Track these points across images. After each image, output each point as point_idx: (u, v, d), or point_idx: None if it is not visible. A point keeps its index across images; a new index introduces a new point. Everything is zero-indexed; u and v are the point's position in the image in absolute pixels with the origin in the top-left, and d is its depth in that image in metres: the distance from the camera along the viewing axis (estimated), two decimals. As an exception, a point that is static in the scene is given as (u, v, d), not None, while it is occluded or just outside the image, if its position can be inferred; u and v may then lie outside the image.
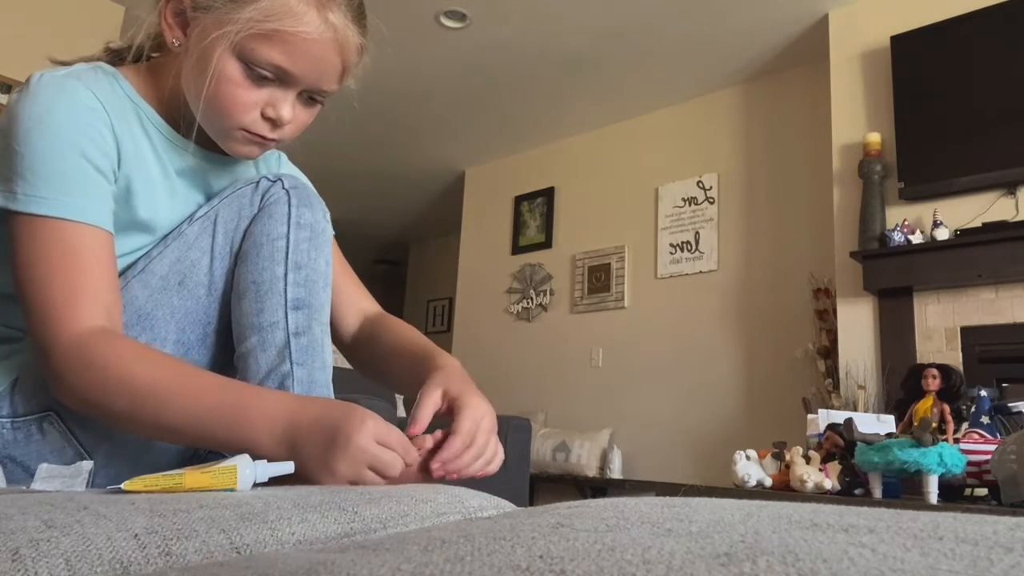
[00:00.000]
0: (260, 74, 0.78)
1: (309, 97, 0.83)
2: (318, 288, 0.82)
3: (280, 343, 0.79)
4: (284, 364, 0.78)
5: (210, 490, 0.57)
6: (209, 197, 0.90)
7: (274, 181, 0.84)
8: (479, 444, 0.75)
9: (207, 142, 0.88)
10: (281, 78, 0.79)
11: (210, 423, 0.68)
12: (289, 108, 0.81)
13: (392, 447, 0.67)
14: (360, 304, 1.01)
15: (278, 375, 0.78)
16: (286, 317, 0.79)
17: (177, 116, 0.86)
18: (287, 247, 0.80)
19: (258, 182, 0.84)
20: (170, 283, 0.81)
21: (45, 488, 0.64)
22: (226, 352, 0.84)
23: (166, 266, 0.81)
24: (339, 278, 0.98)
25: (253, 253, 0.80)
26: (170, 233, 0.85)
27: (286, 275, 0.80)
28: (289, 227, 0.81)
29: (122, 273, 0.81)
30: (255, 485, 0.61)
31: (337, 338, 0.99)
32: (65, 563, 0.37)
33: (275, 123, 0.81)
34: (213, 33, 0.76)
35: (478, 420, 0.77)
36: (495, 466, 0.77)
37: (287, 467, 0.66)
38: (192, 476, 0.58)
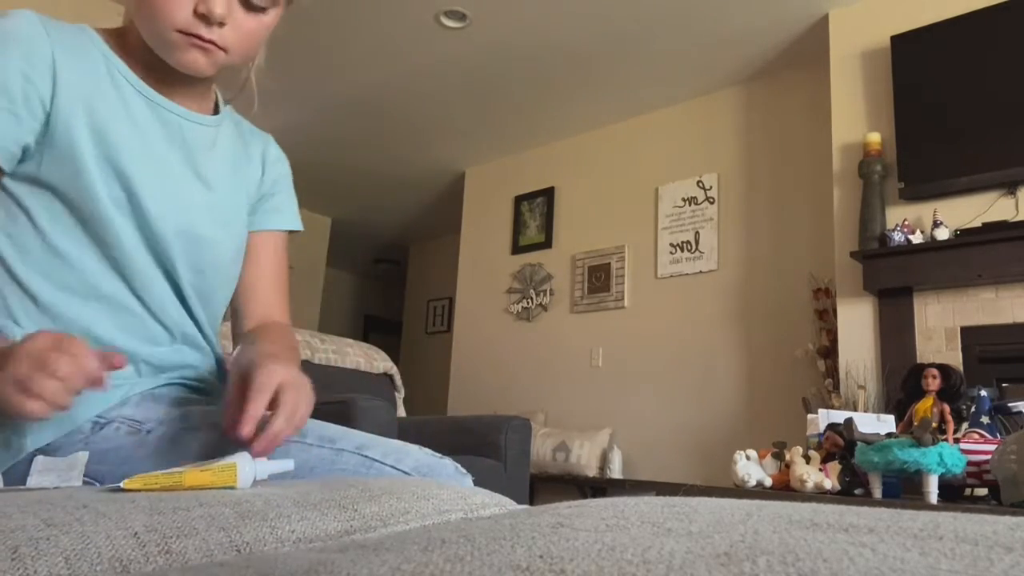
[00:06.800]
0: None
1: (247, 2, 0.82)
2: None
3: None
4: None
5: (210, 488, 0.57)
6: (185, 151, 0.90)
7: None
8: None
9: (180, 99, 0.89)
10: None
11: None
12: (221, 3, 0.79)
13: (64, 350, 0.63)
14: (269, 309, 1.01)
15: None
16: None
17: (151, 75, 0.87)
18: None
19: None
20: None
21: (41, 481, 0.64)
22: None
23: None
24: (261, 281, 1.00)
25: None
26: None
27: None
28: None
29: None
30: (255, 483, 0.61)
31: (235, 332, 1.01)
32: (64, 561, 0.37)
33: (207, 20, 0.79)
34: None
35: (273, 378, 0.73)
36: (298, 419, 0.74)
37: (287, 465, 0.66)
38: (192, 474, 0.58)
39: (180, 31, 0.79)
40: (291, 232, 1.07)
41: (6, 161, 0.78)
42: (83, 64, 0.82)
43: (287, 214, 1.05)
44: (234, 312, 1.01)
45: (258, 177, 1.01)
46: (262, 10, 0.83)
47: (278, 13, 0.87)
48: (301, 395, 0.73)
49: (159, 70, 0.86)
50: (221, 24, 0.80)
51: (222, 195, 0.93)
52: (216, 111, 0.97)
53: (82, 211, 0.81)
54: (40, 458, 0.67)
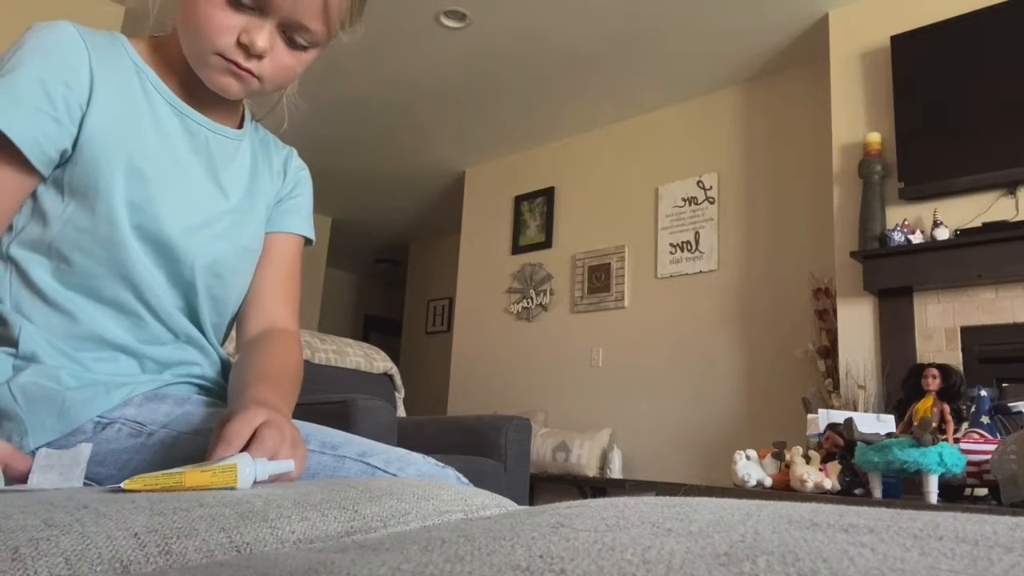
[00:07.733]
0: None
1: (291, 39, 0.83)
2: None
3: None
4: None
5: (210, 488, 0.57)
6: (209, 161, 0.91)
7: None
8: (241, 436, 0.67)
9: (208, 111, 0.91)
10: (259, 5, 0.79)
11: None
12: (265, 37, 0.80)
13: None
14: (274, 314, 0.99)
15: None
16: None
17: (182, 87, 0.89)
18: None
19: None
20: None
21: (43, 480, 0.64)
22: None
23: None
24: (267, 283, 0.99)
25: None
26: None
27: None
28: None
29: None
30: (255, 483, 0.61)
31: (239, 338, 0.99)
32: (65, 562, 0.37)
33: (248, 50, 0.80)
34: None
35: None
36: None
37: (287, 465, 0.66)
38: (192, 475, 0.58)
39: (220, 55, 0.81)
40: (306, 243, 1.05)
41: (45, 166, 0.79)
42: (116, 72, 0.84)
43: (301, 219, 1.04)
44: (238, 315, 1.00)
45: (279, 185, 1.02)
46: (304, 48, 0.85)
47: (319, 51, 0.87)
48: (285, 435, 0.68)
49: (192, 83, 0.88)
50: (261, 56, 0.82)
51: (240, 204, 0.94)
52: (241, 124, 0.98)
53: (96, 213, 0.81)
54: (43, 450, 0.67)
